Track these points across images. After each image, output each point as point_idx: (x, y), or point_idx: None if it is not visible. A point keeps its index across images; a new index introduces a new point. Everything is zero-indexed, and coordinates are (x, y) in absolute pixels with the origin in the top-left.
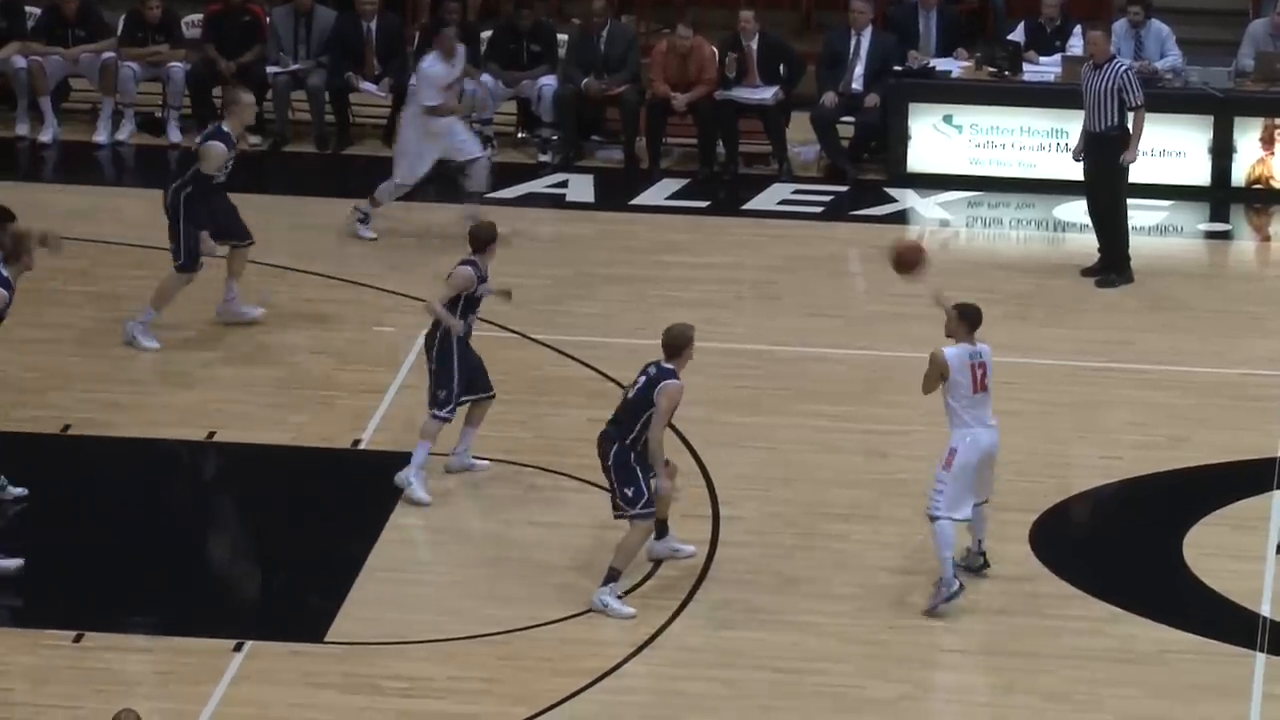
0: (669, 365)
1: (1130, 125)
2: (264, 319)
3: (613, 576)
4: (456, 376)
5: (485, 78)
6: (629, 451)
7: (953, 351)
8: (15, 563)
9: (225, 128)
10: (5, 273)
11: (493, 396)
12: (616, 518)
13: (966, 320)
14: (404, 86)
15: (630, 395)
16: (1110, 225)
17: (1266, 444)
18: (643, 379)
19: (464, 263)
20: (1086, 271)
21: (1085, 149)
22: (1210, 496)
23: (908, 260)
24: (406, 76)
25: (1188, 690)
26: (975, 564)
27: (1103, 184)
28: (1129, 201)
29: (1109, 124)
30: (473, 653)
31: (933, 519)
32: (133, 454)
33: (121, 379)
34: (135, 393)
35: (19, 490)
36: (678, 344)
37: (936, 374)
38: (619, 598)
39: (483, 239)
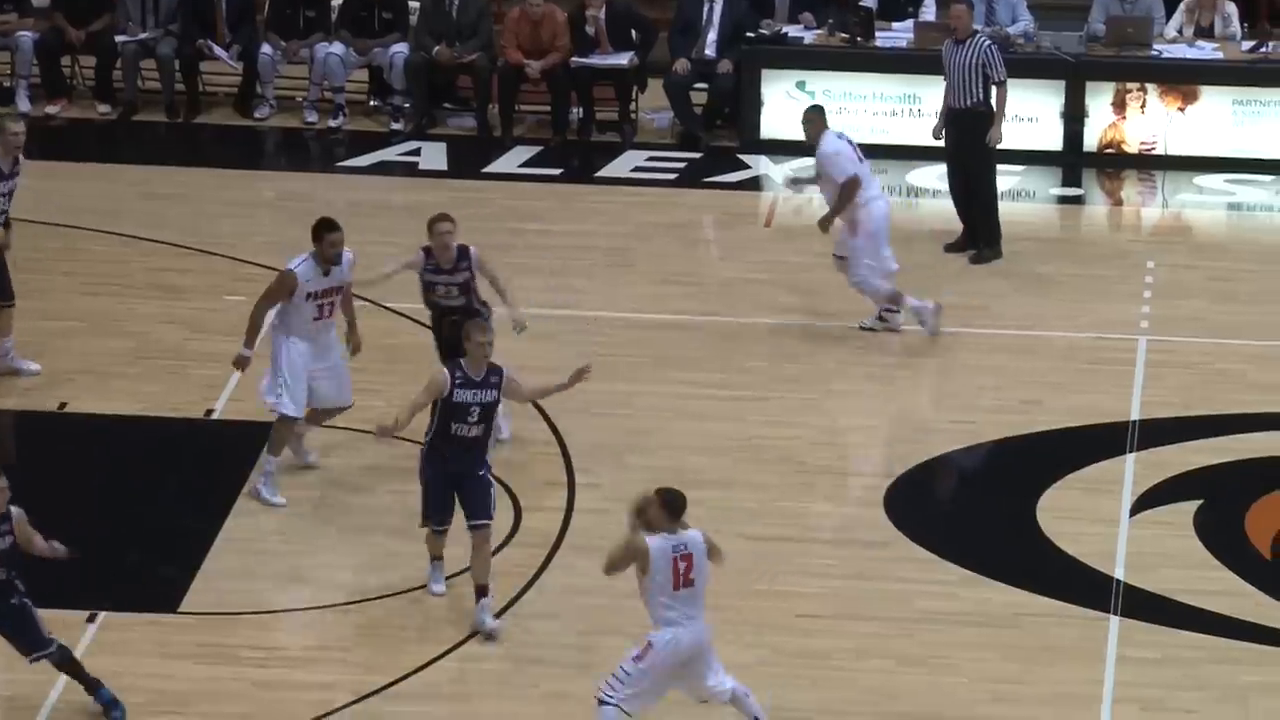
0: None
1: (994, 101)
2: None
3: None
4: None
5: (336, 46)
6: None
7: (657, 543)
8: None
9: None
10: None
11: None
12: None
13: (668, 508)
14: (254, 56)
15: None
16: (982, 201)
17: (1118, 408)
18: None
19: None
20: (950, 247)
21: (948, 125)
22: (1063, 460)
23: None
24: (257, 46)
25: (1042, 653)
26: None
27: (970, 161)
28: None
29: (973, 100)
30: (329, 622)
31: (601, 703)
32: None
33: None
34: None
35: None
36: (463, 335)
37: (629, 561)
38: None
39: None
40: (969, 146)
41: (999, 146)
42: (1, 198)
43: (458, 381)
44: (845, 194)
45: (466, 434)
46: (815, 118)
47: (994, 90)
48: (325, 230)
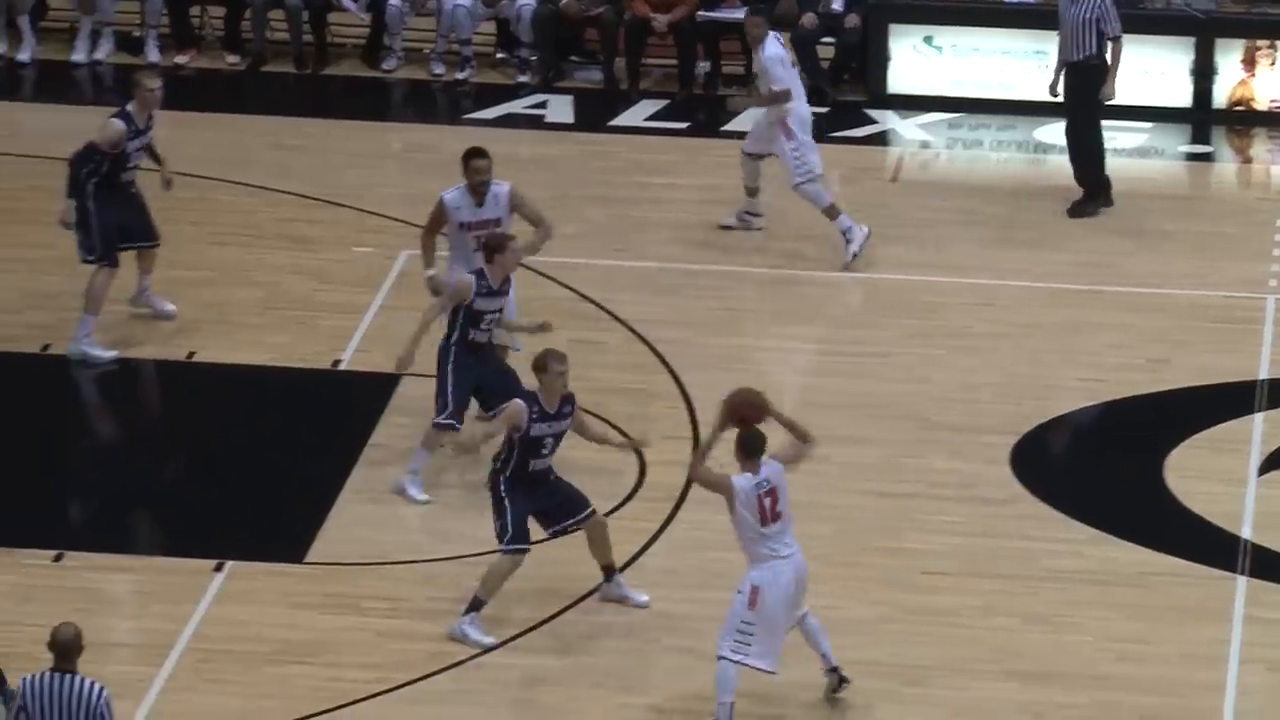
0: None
1: (1109, 56)
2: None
3: (475, 606)
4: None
5: None
6: (498, 477)
7: (742, 483)
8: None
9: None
10: None
11: None
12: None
13: (744, 449)
14: (382, 7)
15: None
16: (1085, 152)
17: (1247, 367)
18: None
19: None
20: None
21: (1064, 78)
22: (1191, 419)
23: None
24: None
25: (1167, 612)
26: (836, 685)
27: (1076, 111)
28: (1107, 123)
29: (1087, 53)
30: (452, 573)
31: (727, 660)
32: (113, 374)
33: None
34: (115, 312)
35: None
36: (537, 366)
37: (717, 493)
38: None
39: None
40: (1078, 98)
41: (1111, 102)
42: (137, 152)
43: (534, 416)
44: (774, 99)
45: (540, 466)
46: (761, 21)
47: (1109, 45)
48: (470, 157)
